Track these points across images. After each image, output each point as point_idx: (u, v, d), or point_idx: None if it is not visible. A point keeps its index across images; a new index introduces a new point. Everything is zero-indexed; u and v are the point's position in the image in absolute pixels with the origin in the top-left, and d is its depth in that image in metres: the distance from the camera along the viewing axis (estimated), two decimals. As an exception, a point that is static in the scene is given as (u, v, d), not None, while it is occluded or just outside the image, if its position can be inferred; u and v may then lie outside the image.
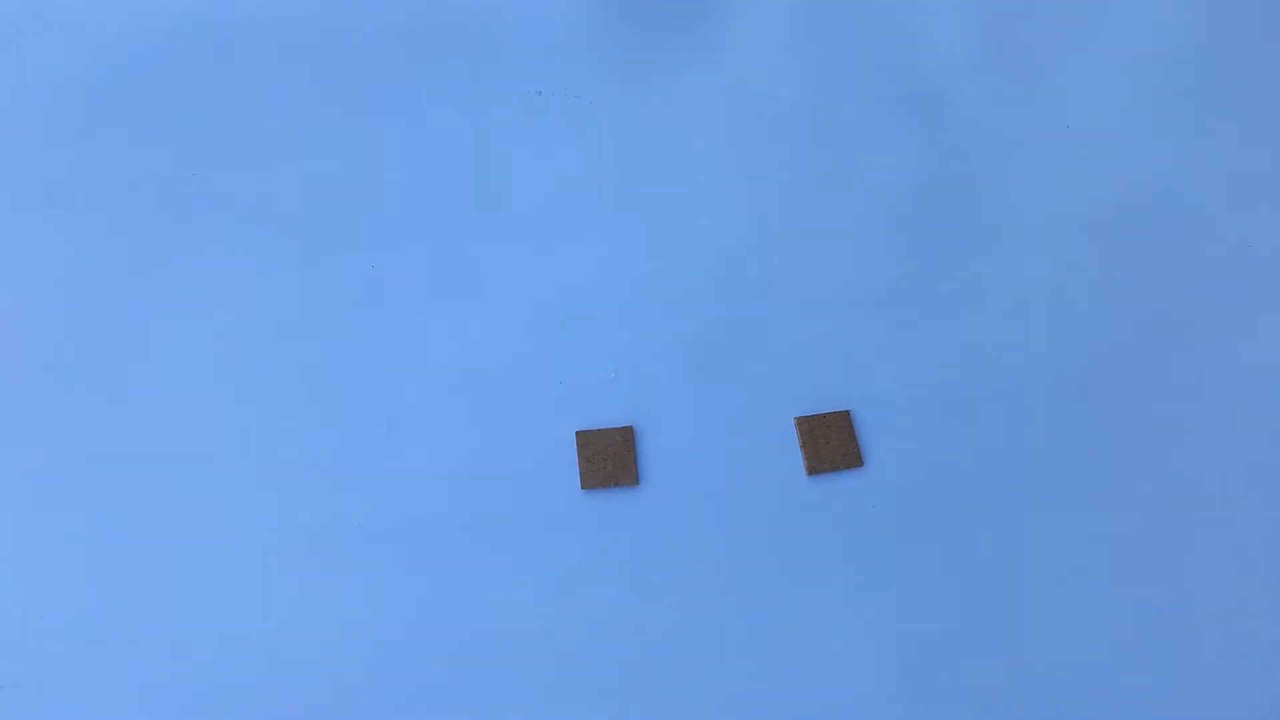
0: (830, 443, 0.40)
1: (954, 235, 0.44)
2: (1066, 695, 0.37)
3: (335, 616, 0.36)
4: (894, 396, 0.41)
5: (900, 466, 0.40)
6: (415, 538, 0.37)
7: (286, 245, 0.43)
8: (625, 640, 0.37)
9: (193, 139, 0.45)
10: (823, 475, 0.40)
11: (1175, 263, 0.44)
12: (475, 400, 0.41)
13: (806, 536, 0.39)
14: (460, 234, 0.44)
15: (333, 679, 0.35)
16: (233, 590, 0.36)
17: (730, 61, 0.47)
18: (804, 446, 0.40)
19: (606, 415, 0.40)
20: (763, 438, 0.40)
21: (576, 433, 0.40)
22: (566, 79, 0.47)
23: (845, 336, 0.42)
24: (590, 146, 0.46)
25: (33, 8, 0.47)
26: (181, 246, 0.43)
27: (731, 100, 0.47)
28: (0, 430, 0.40)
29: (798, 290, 0.43)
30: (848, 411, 0.40)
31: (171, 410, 0.41)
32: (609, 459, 0.39)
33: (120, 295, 0.43)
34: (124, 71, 0.46)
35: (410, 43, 0.47)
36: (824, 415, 0.40)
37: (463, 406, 0.41)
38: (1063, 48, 0.48)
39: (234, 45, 0.47)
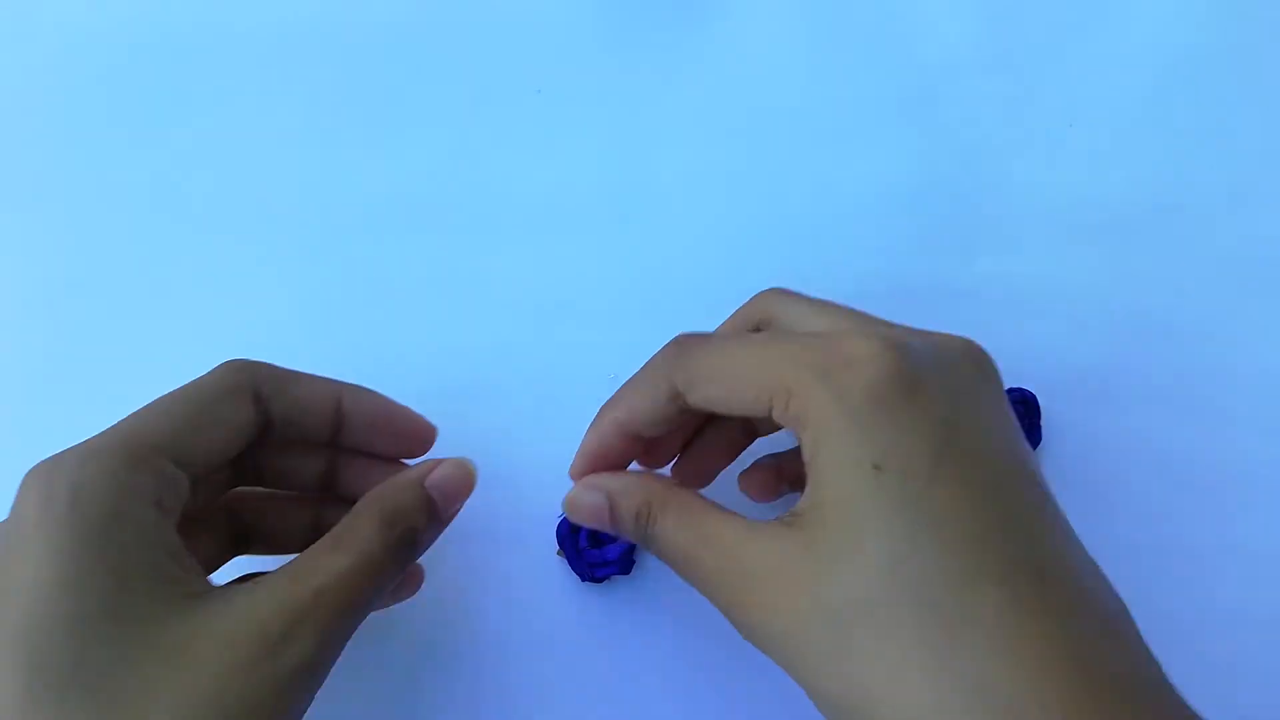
0: None
1: (955, 234, 0.44)
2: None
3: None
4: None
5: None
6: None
7: (285, 245, 0.43)
8: (626, 641, 0.37)
9: (189, 138, 0.45)
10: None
11: (1178, 262, 0.44)
12: (474, 401, 0.41)
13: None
14: (459, 233, 0.44)
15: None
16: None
17: (730, 61, 0.47)
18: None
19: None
20: (764, 438, 0.40)
21: None
22: (566, 78, 0.46)
23: (846, 336, 0.42)
24: (590, 146, 0.45)
25: (30, 7, 0.47)
26: (179, 246, 0.43)
27: (732, 100, 0.46)
28: (0, 430, 0.40)
29: (798, 290, 0.43)
30: None
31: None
32: None
33: (115, 295, 0.42)
34: (120, 70, 0.46)
35: (408, 41, 0.47)
36: None
37: (461, 407, 0.40)
38: (1065, 46, 0.48)
39: (232, 43, 0.47)
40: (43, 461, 0.26)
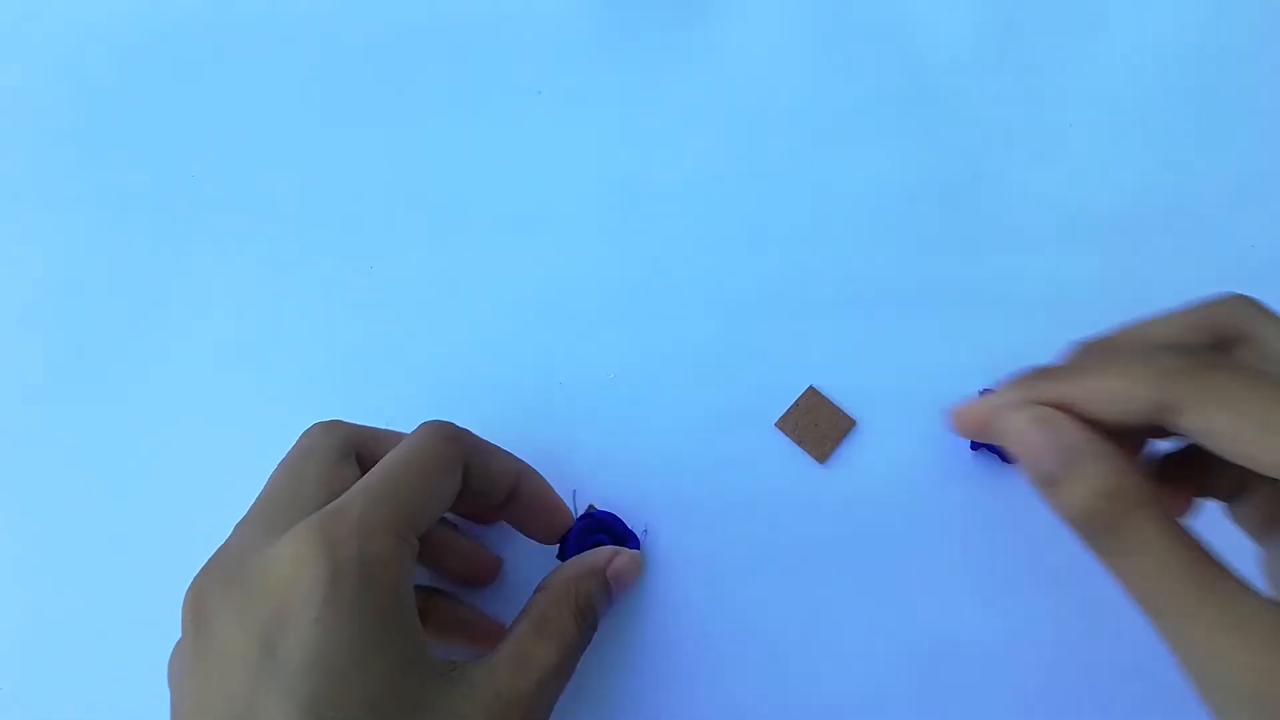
0: (818, 424, 0.40)
1: (956, 235, 0.44)
2: (1074, 695, 0.37)
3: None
4: (897, 398, 0.41)
5: (903, 469, 0.40)
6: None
7: (284, 245, 0.43)
8: (634, 642, 0.37)
9: (190, 138, 0.45)
10: (836, 465, 0.39)
11: (1178, 262, 0.44)
12: (473, 400, 0.41)
13: (814, 535, 0.39)
14: (459, 233, 0.44)
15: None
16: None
17: (730, 61, 0.47)
18: (800, 442, 0.40)
19: (605, 416, 0.40)
20: (766, 437, 0.40)
21: None
22: (567, 78, 0.47)
23: (847, 336, 0.42)
24: (590, 146, 0.45)
25: (30, 6, 0.47)
26: (178, 247, 0.44)
27: (732, 100, 0.46)
28: (0, 431, 0.40)
29: (798, 291, 0.43)
30: (811, 386, 0.40)
31: (170, 411, 0.41)
32: None
33: (117, 296, 0.43)
34: (120, 70, 0.46)
35: (409, 42, 0.47)
36: (795, 404, 0.40)
37: (460, 407, 0.40)
38: (1065, 46, 0.47)
39: (232, 44, 0.47)
40: (320, 528, 0.26)
